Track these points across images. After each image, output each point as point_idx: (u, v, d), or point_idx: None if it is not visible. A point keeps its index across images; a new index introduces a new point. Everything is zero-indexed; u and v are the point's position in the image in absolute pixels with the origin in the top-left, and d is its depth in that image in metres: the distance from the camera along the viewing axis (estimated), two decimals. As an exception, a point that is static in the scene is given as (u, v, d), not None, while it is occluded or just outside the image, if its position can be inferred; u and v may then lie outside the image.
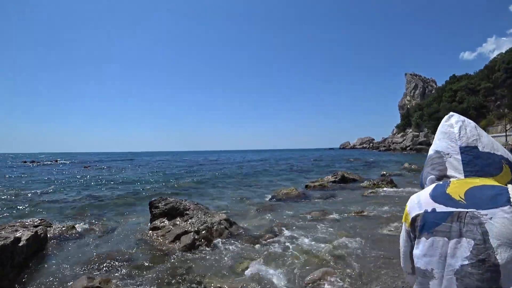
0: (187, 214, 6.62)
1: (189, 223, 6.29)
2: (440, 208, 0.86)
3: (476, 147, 0.93)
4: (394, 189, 11.30)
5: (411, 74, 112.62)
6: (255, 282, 4.04)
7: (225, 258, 5.04)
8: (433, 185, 0.96)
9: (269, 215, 8.13)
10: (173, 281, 4.30)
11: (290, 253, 5.06)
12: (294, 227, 6.69)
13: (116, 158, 70.36)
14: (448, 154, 0.96)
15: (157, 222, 6.85)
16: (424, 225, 0.88)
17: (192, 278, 4.38)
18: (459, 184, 0.89)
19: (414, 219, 0.92)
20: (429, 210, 0.88)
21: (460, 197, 0.84)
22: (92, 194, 12.69)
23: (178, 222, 6.52)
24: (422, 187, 1.04)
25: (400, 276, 3.79)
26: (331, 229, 6.35)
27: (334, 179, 14.45)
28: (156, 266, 4.84)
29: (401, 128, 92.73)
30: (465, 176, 0.91)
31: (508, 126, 36.76)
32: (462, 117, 1.03)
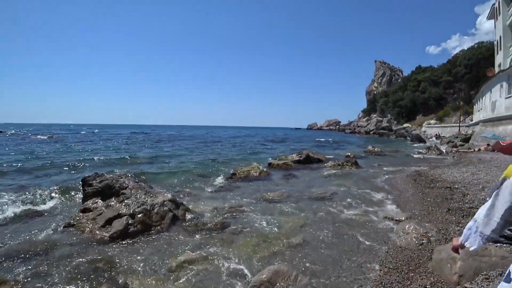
0: (123, 193, 5.58)
1: (124, 205, 5.28)
2: None
3: None
4: (358, 171, 11.06)
5: (380, 62, 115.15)
6: (188, 285, 3.24)
7: (161, 250, 4.18)
8: None
9: (225, 195, 7.38)
10: (86, 281, 3.37)
11: (240, 243, 4.32)
12: (249, 211, 5.99)
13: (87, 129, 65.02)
14: None
15: (89, 203, 5.74)
16: None
17: (112, 276, 3.49)
18: None
19: None
20: None
21: None
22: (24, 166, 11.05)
23: (112, 203, 5.48)
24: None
25: (363, 269, 3.18)
26: (291, 213, 5.75)
27: (298, 158, 13.98)
28: (74, 260, 3.87)
29: (367, 112, 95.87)
30: None
31: (462, 118, 39.05)
32: None
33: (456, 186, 6.92)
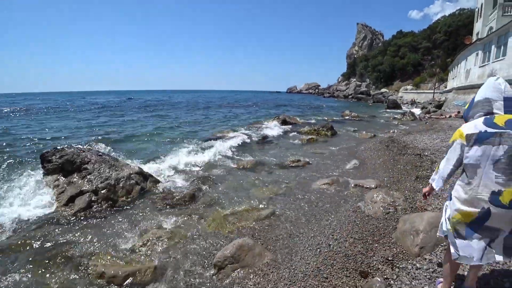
0: (85, 168, 5.22)
1: (87, 181, 4.96)
2: (490, 130, 1.63)
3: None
4: (333, 137, 11.15)
5: (362, 25, 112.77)
6: (151, 264, 3.13)
7: (125, 227, 4.01)
8: (483, 117, 1.72)
9: (197, 163, 7.17)
10: (46, 264, 3.18)
11: (209, 217, 4.21)
12: (221, 181, 5.87)
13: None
14: (495, 100, 1.73)
15: (50, 180, 5.36)
16: (478, 138, 1.65)
17: (72, 258, 3.31)
18: (501, 117, 1.66)
19: (469, 135, 1.69)
20: (483, 130, 1.65)
21: (502, 124, 1.62)
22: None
23: (74, 180, 5.13)
24: (466, 120, 1.85)
25: (329, 241, 3.19)
26: (263, 183, 5.69)
27: (276, 122, 13.97)
28: (34, 242, 3.62)
29: (346, 76, 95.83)
30: (504, 113, 1.69)
31: (437, 84, 39.95)
32: (504, 80, 1.79)
33: (426, 153, 7.08)
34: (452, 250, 1.81)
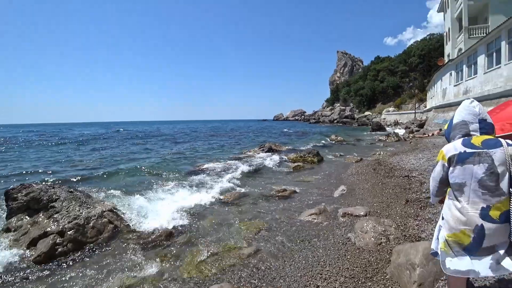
0: (53, 207, 4.77)
1: (53, 221, 4.50)
2: (468, 150, 1.73)
3: (486, 120, 1.82)
4: (320, 163, 10.97)
5: (342, 52, 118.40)
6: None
7: (92, 274, 3.55)
8: (461, 139, 1.82)
9: (178, 197, 6.77)
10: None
11: (186, 259, 3.79)
12: (201, 216, 5.47)
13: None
14: (471, 122, 1.83)
15: (14, 220, 4.86)
16: (458, 159, 1.75)
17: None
18: (478, 138, 1.77)
19: (451, 157, 1.79)
20: (462, 151, 1.75)
21: (479, 144, 1.72)
22: None
23: (40, 219, 4.67)
24: (449, 141, 1.95)
25: (316, 281, 2.85)
26: (246, 218, 5.31)
27: (261, 151, 13.74)
28: None
29: (330, 102, 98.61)
30: (480, 134, 1.80)
31: (417, 105, 41.39)
32: (478, 103, 1.89)
33: (414, 174, 6.97)
34: (442, 267, 1.82)
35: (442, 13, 31.62)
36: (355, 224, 4.11)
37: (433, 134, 18.74)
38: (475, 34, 22.86)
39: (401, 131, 26.18)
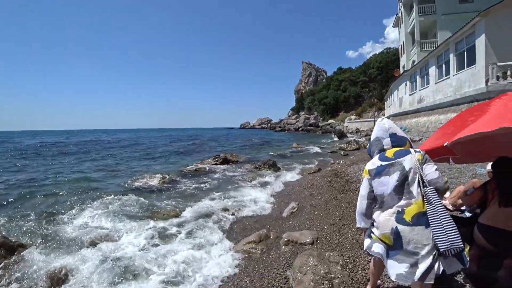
0: None
1: None
2: (384, 163, 1.92)
3: (396, 134, 2.04)
4: (274, 174, 10.18)
5: (307, 63, 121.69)
6: None
7: None
8: (378, 154, 2.02)
9: (100, 218, 5.53)
10: None
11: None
12: (107, 255, 4.27)
13: None
14: (383, 137, 2.04)
15: None
16: (376, 172, 1.92)
17: None
18: (390, 150, 1.98)
19: (370, 171, 1.97)
20: (379, 165, 1.93)
21: (391, 155, 1.92)
22: None
23: None
24: (371, 156, 2.13)
25: None
26: (165, 250, 4.24)
27: (215, 162, 12.69)
28: None
29: (296, 110, 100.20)
30: (392, 147, 2.01)
31: (376, 113, 43.00)
32: (388, 119, 2.15)
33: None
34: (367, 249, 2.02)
35: (397, 28, 33.30)
36: (295, 259, 3.25)
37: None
38: (426, 48, 24.11)
39: (361, 139, 26.63)
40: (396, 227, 1.75)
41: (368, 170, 1.97)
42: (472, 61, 13.31)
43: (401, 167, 1.81)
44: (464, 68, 13.98)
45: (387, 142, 2.01)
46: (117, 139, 44.88)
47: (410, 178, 1.78)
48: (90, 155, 19.54)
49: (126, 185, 9.02)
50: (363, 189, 2.00)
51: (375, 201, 1.95)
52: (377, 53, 74.80)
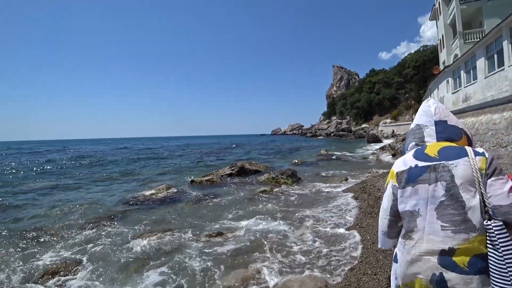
0: None
1: None
2: (421, 163, 1.16)
3: (445, 121, 1.27)
4: (295, 185, 8.93)
5: (337, 67, 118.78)
6: None
7: None
8: (414, 148, 1.27)
9: (81, 243, 4.75)
10: None
11: None
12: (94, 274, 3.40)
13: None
14: (426, 126, 1.29)
15: None
16: (409, 177, 1.17)
17: None
18: (434, 146, 1.21)
19: (399, 174, 1.21)
20: (413, 166, 1.18)
21: (434, 154, 1.16)
22: None
23: None
24: (404, 154, 1.33)
25: None
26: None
27: (231, 172, 11.71)
28: None
29: (327, 115, 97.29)
30: (437, 141, 1.24)
31: (413, 116, 39.74)
32: (437, 101, 1.35)
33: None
34: None
35: (435, 21, 30.53)
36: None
37: (432, 147, 16.81)
38: (471, 39, 21.49)
39: (398, 144, 24.37)
40: (441, 273, 1.08)
41: (397, 173, 1.25)
42: (533, 48, 11.12)
43: (448, 176, 1.10)
44: (523, 57, 11.75)
45: (430, 132, 1.29)
46: (159, 146, 46.07)
47: (464, 196, 1.06)
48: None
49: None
50: (386, 201, 1.29)
51: (402, 221, 1.23)
52: (413, 52, 70.41)
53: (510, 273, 0.98)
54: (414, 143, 1.32)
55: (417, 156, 1.21)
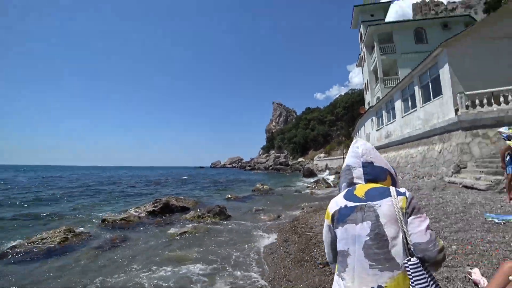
0: None
1: None
2: (350, 204, 1.22)
3: (372, 163, 1.33)
4: (222, 224, 7.78)
5: (277, 103, 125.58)
6: None
7: None
8: (346, 189, 1.33)
9: None
10: None
11: None
12: None
13: None
14: (354, 167, 1.35)
15: None
16: (339, 217, 1.22)
17: None
18: (361, 187, 1.27)
19: (333, 214, 1.26)
20: (343, 206, 1.24)
21: (362, 195, 1.23)
22: None
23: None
24: (340, 192, 1.38)
25: None
26: None
27: (153, 209, 10.02)
28: None
29: (266, 149, 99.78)
30: (365, 182, 1.31)
31: (344, 151, 42.77)
32: (365, 142, 1.40)
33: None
34: None
35: (361, 68, 34.32)
36: None
37: (361, 180, 17.54)
38: (390, 84, 24.30)
39: (331, 177, 25.27)
40: None
41: (332, 214, 1.27)
42: (438, 92, 12.56)
43: (373, 216, 1.15)
44: (431, 100, 13.19)
45: (358, 173, 1.34)
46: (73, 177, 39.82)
47: (388, 234, 1.11)
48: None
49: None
50: (325, 237, 1.34)
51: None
52: (343, 94, 78.31)
53: None
54: (345, 183, 1.39)
55: (347, 197, 1.28)
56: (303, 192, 16.28)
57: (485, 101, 10.46)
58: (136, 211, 9.88)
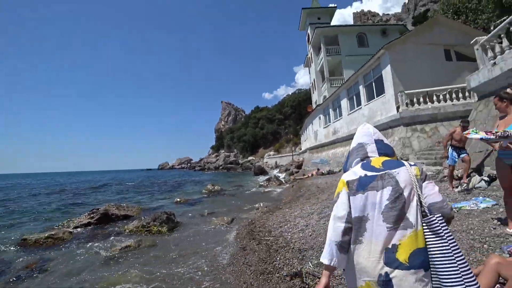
0: None
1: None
2: (370, 173, 1.34)
3: (382, 140, 1.51)
4: (171, 233, 6.92)
5: (226, 102, 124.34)
6: None
7: None
8: (360, 163, 1.44)
9: None
10: None
11: None
12: None
13: None
14: (367, 143, 1.48)
15: None
16: (359, 185, 1.33)
17: None
18: (377, 159, 1.41)
19: (350, 182, 1.36)
20: (362, 175, 1.35)
21: (380, 165, 1.36)
22: None
23: None
24: (345, 171, 1.50)
25: None
26: None
27: (89, 220, 8.63)
28: None
29: (216, 149, 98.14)
30: (379, 155, 1.45)
31: (293, 148, 43.99)
32: (371, 125, 1.57)
33: (308, 254, 3.83)
34: None
35: (308, 68, 35.44)
36: None
37: (312, 174, 17.99)
38: (335, 84, 25.41)
39: (282, 174, 25.52)
40: (386, 273, 1.18)
41: (347, 182, 1.38)
42: (381, 91, 13.26)
43: (393, 182, 1.28)
44: (374, 98, 13.89)
45: (372, 148, 1.48)
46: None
47: (406, 197, 1.24)
48: None
49: None
50: (341, 208, 1.34)
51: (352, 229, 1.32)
52: (290, 93, 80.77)
53: (458, 261, 1.11)
54: (358, 158, 1.49)
55: (365, 167, 1.40)
56: (255, 190, 15.95)
57: (421, 99, 11.33)
58: (67, 225, 8.39)
